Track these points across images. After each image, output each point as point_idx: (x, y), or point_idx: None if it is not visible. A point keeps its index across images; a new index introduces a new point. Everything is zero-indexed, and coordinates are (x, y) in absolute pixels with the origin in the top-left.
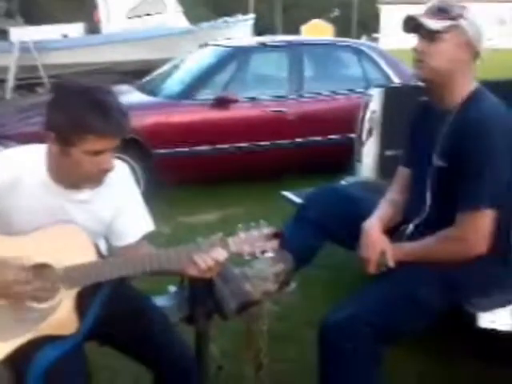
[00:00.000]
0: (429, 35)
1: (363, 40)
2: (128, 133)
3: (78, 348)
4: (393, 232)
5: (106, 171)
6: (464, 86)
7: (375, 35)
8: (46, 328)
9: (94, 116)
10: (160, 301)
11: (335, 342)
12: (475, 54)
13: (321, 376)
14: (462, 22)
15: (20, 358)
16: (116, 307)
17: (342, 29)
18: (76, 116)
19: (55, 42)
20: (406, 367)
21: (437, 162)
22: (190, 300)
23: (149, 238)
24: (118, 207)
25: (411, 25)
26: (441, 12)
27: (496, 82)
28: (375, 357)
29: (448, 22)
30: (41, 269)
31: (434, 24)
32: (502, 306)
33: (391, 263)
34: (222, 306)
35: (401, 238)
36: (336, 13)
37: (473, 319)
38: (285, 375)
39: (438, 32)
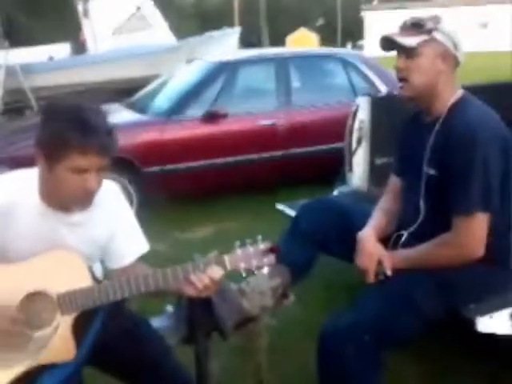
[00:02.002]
0: (407, 52)
1: (349, 47)
2: (113, 153)
3: (76, 375)
4: (387, 240)
5: (90, 192)
6: (448, 95)
7: (360, 42)
8: (44, 356)
9: (73, 132)
10: (157, 322)
11: (335, 350)
12: (455, 62)
13: None
14: (436, 34)
15: None
16: (112, 333)
17: (327, 37)
18: (57, 131)
19: (42, 64)
20: (406, 370)
21: (427, 170)
22: (189, 320)
23: (145, 256)
24: (112, 229)
25: (388, 44)
26: (414, 27)
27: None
28: (375, 363)
29: (423, 37)
30: (36, 296)
31: (409, 41)
32: (500, 309)
33: (389, 271)
34: (220, 324)
35: (395, 246)
36: (321, 21)
37: (471, 324)
38: None
39: (414, 48)
